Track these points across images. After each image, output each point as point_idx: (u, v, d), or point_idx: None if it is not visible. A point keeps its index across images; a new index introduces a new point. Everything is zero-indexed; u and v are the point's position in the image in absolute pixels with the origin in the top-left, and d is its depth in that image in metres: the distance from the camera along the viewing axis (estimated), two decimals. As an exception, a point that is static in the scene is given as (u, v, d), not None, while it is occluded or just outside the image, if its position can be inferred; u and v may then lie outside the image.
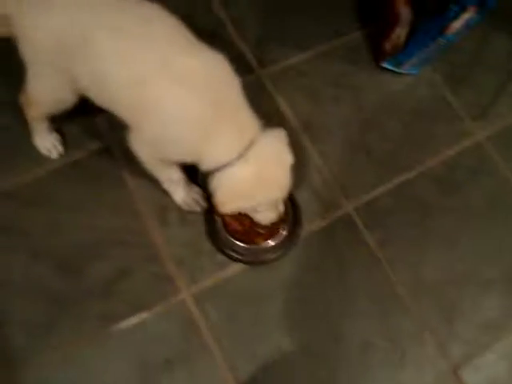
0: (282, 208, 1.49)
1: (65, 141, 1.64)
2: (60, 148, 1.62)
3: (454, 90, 1.86)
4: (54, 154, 1.62)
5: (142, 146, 1.34)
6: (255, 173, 1.28)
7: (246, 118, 1.30)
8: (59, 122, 1.62)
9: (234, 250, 1.55)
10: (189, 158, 1.32)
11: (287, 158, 1.36)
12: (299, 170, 1.63)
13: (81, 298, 1.48)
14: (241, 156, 1.26)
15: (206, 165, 1.30)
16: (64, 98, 1.39)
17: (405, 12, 1.71)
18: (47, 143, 1.61)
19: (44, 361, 1.42)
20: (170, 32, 1.24)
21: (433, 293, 1.58)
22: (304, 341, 1.50)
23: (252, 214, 1.46)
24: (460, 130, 1.80)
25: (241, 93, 1.30)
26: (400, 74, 1.85)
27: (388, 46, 1.79)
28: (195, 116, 1.22)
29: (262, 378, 1.46)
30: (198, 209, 1.59)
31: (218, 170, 1.28)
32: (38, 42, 1.25)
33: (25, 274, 1.49)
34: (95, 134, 1.66)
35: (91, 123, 1.67)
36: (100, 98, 1.32)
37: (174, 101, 1.21)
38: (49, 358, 1.42)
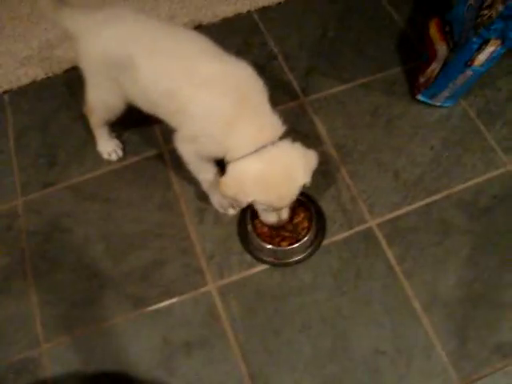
0: (285, 217, 1.58)
1: (124, 147, 1.92)
2: (120, 152, 1.90)
3: (488, 123, 1.92)
4: (114, 158, 1.89)
5: (183, 143, 1.55)
6: (260, 170, 1.40)
7: (268, 121, 1.44)
8: (120, 131, 1.92)
9: (260, 251, 1.70)
10: (219, 152, 1.48)
11: (300, 177, 1.45)
12: (329, 185, 1.81)
13: (121, 279, 1.70)
14: (255, 153, 1.39)
15: (229, 157, 1.45)
16: (114, 105, 1.66)
17: (441, 48, 1.84)
18: (108, 148, 1.89)
19: (82, 330, 1.63)
20: (197, 46, 1.47)
21: (448, 310, 1.61)
22: (314, 340, 1.59)
23: (256, 208, 1.58)
24: (490, 160, 1.85)
25: (265, 97, 1.45)
26: (434, 106, 1.95)
27: (422, 79, 1.92)
28: (218, 114, 1.40)
29: (270, 370, 1.56)
30: (232, 211, 1.76)
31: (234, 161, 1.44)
32: (92, 58, 1.56)
33: (78, 254, 1.74)
34: (151, 143, 1.92)
35: (148, 133, 1.93)
36: (144, 105, 1.57)
37: (199, 103, 1.41)
38: (87, 329, 1.63)
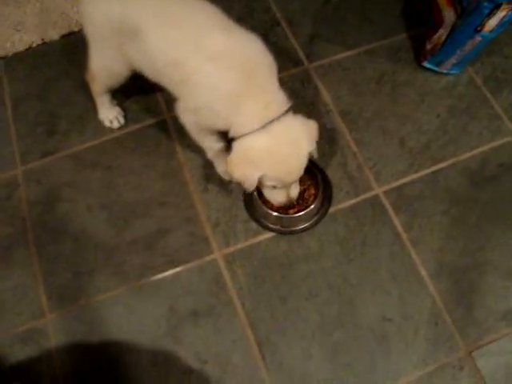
0: (295, 194, 1.56)
1: (126, 115, 1.88)
2: (121, 120, 1.86)
3: (495, 91, 1.90)
4: (115, 125, 1.86)
5: (185, 113, 1.51)
6: (267, 145, 1.38)
7: (274, 98, 1.40)
8: (122, 98, 1.88)
9: (266, 219, 1.69)
10: (222, 126, 1.45)
11: (305, 147, 1.43)
12: (335, 153, 1.78)
13: (125, 248, 1.68)
14: (262, 128, 1.36)
15: (233, 132, 1.42)
16: (119, 72, 1.62)
17: (449, 14, 1.80)
18: (110, 115, 1.85)
19: (86, 300, 1.62)
20: (206, 17, 1.41)
21: (454, 277, 1.62)
22: (321, 307, 1.59)
23: (263, 190, 1.57)
24: (496, 128, 1.83)
25: (273, 74, 1.41)
26: (441, 73, 1.92)
27: (429, 45, 1.88)
28: (223, 88, 1.36)
29: (277, 337, 1.56)
30: (237, 179, 1.74)
31: (241, 137, 1.41)
32: (97, 23, 1.50)
33: (80, 223, 1.72)
34: (153, 111, 1.88)
35: (150, 101, 1.89)
36: (148, 72, 1.53)
37: (204, 75, 1.37)
38: (91, 298, 1.62)
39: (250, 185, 1.46)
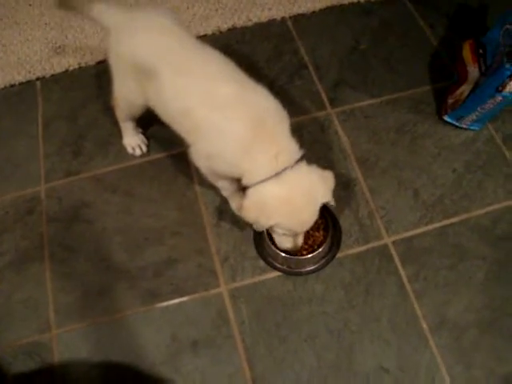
0: (300, 243, 1.60)
1: (149, 143, 1.96)
2: (144, 148, 1.93)
3: (513, 150, 1.93)
4: (137, 153, 1.93)
5: (198, 158, 1.56)
6: (281, 195, 1.41)
7: (284, 147, 1.43)
8: (147, 126, 1.96)
9: (273, 258, 1.71)
10: (234, 173, 1.50)
11: (319, 198, 1.46)
12: (348, 199, 1.81)
13: (135, 273, 1.73)
14: (274, 177, 1.39)
15: (246, 181, 1.45)
16: (138, 103, 1.68)
17: (473, 70, 1.84)
18: (133, 142, 1.93)
19: (92, 320, 1.67)
20: (219, 68, 1.48)
21: (456, 334, 1.61)
22: (320, 351, 1.60)
23: (271, 232, 1.61)
24: (512, 187, 1.86)
25: (283, 124, 1.45)
26: (461, 128, 1.94)
27: (451, 100, 1.91)
28: (232, 138, 1.41)
29: (273, 377, 1.57)
30: (249, 216, 1.77)
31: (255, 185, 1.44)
32: (121, 57, 1.59)
33: (94, 244, 1.78)
34: (175, 142, 1.87)
35: (174, 132, 1.92)
36: (162, 115, 1.59)
37: (214, 123, 1.42)
38: (97, 319, 1.66)
39: (261, 228, 1.49)
